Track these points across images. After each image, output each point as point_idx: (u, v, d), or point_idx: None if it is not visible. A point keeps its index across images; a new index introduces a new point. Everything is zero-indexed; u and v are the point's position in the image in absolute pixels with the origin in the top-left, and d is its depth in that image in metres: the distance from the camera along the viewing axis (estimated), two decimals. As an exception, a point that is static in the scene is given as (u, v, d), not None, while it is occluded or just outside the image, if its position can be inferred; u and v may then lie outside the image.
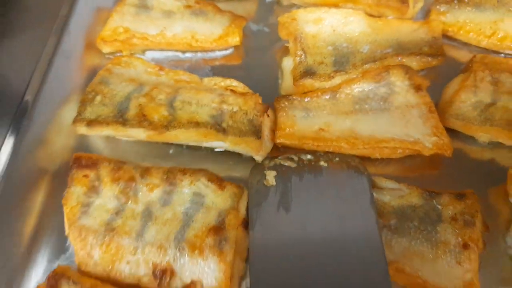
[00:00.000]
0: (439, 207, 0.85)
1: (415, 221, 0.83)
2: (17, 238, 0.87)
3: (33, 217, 0.89)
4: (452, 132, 1.03)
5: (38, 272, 0.84)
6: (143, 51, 1.16)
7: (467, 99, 1.01)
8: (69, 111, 1.00)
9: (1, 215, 0.87)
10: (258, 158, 0.93)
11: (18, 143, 0.95)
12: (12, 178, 0.91)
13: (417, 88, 1.02)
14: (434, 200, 0.86)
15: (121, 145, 0.98)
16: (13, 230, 0.87)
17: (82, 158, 0.86)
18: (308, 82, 1.05)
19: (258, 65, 1.17)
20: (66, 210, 0.82)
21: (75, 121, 0.93)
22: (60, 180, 0.91)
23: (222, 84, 1.04)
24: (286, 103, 1.02)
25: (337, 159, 0.94)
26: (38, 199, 0.91)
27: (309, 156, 0.94)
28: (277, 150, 0.99)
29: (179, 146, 0.98)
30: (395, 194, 0.87)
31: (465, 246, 0.79)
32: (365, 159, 0.97)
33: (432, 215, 0.84)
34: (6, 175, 0.91)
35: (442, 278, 0.77)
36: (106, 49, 1.13)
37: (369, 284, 0.71)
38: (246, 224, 0.81)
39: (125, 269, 0.78)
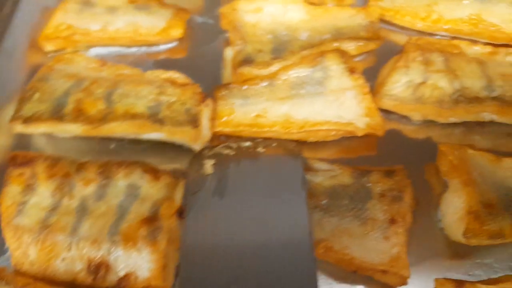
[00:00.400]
0: (369, 184, 0.84)
1: (346, 200, 0.82)
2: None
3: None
4: (387, 113, 1.02)
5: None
6: (87, 48, 1.13)
7: (399, 79, 1.00)
8: (10, 111, 0.97)
9: None
10: (196, 147, 0.91)
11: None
12: None
13: (351, 71, 1.00)
14: (364, 178, 0.85)
15: (62, 142, 0.96)
16: None
17: (18, 156, 0.83)
18: (246, 70, 1.04)
19: (203, 57, 1.15)
20: (1, 210, 0.79)
21: (12, 119, 0.91)
22: (-1, 181, 0.87)
23: (163, 76, 1.02)
24: (226, 91, 1.00)
25: (274, 144, 0.92)
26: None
27: (248, 143, 0.93)
28: (218, 139, 0.97)
29: (121, 140, 0.96)
30: (327, 175, 0.86)
31: (392, 221, 0.79)
32: (302, 143, 0.96)
33: (362, 192, 0.83)
34: None
35: (369, 253, 0.77)
36: (49, 47, 1.10)
37: (293, 260, 0.70)
38: (181, 212, 0.79)
39: (60, 266, 0.76)
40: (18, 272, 0.75)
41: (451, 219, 0.83)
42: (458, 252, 0.83)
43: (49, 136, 0.95)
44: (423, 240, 0.84)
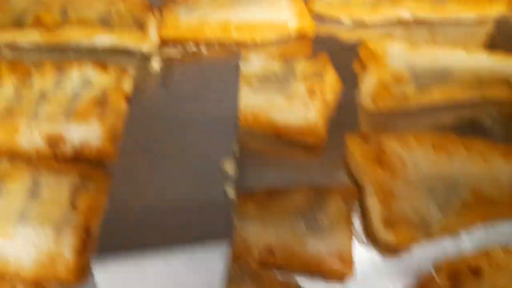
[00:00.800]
0: (295, 68, 0.97)
1: (274, 81, 0.95)
2: None
3: None
4: (321, 18, 1.15)
5: None
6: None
7: (329, -14, 1.12)
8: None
9: None
10: (144, 48, 1.04)
11: None
12: None
13: (287, -18, 1.13)
14: (292, 64, 0.98)
15: (25, 54, 1.08)
16: None
17: (-16, 60, 0.96)
18: (192, -16, 1.16)
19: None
20: (-30, 103, 0.92)
21: (-20, 29, 1.03)
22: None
23: (116, -6, 1.14)
24: (171, 3, 1.12)
25: (216, 47, 1.06)
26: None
27: (192, 47, 1.06)
28: (165, 44, 1.10)
29: (78, 51, 1.08)
30: (260, 64, 0.99)
31: (311, 92, 0.92)
32: (242, 46, 1.09)
33: (289, 75, 0.96)
34: None
35: (291, 121, 0.90)
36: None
37: (221, 130, 0.82)
38: (128, 98, 0.93)
39: (24, 142, 0.88)
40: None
41: (366, 93, 0.97)
42: (374, 122, 0.96)
43: (13, 48, 1.07)
44: (344, 113, 0.98)
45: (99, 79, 0.93)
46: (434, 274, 0.74)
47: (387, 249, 0.79)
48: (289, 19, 1.06)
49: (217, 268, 0.52)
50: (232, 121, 0.85)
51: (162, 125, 0.86)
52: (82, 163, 0.85)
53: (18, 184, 0.80)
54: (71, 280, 0.74)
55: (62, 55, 1.07)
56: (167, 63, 1.03)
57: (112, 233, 0.55)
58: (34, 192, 0.79)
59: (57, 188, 0.79)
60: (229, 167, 0.64)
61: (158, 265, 0.51)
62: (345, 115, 0.98)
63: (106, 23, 1.03)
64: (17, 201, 0.78)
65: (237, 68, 0.95)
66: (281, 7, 1.09)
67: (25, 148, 0.88)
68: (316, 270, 0.75)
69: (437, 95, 0.94)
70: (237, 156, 0.75)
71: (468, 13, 1.10)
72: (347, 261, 0.74)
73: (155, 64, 0.99)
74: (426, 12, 1.09)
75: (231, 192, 0.59)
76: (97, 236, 0.54)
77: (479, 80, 0.97)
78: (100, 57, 1.06)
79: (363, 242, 0.81)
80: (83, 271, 0.75)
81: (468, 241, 0.80)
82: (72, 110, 0.89)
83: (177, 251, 0.51)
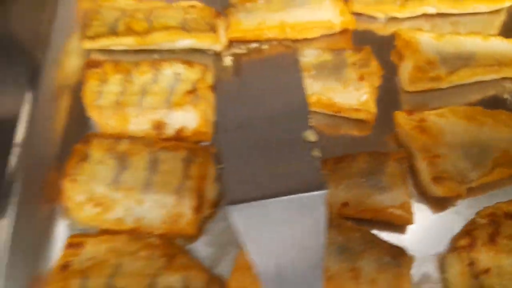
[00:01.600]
0: (345, 58, 1.06)
1: (328, 69, 1.05)
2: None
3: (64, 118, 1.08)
4: (359, 15, 1.24)
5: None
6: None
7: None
8: (75, 43, 1.19)
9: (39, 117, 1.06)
10: (217, 48, 1.14)
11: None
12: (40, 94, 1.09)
13: (328, -13, 1.21)
14: (341, 55, 1.07)
15: (118, 56, 1.18)
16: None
17: (91, 61, 1.06)
18: (246, -7, 1.25)
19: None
20: (85, 98, 1.02)
21: (81, 38, 1.14)
22: (78, 90, 1.09)
23: (185, 4, 1.23)
24: (233, 9, 1.22)
25: (275, 43, 1.15)
26: (64, 103, 1.10)
27: (254, 44, 1.15)
28: (232, 44, 1.20)
29: (161, 52, 1.18)
30: (315, 56, 1.08)
31: (361, 78, 1.01)
32: (296, 41, 1.18)
33: (340, 63, 1.05)
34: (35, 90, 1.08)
35: (346, 100, 0.99)
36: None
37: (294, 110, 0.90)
38: (212, 87, 1.03)
39: (133, 128, 0.99)
40: (103, 134, 0.98)
41: (404, 76, 1.06)
42: (413, 100, 1.06)
43: (109, 52, 1.18)
44: (388, 94, 1.08)
45: (188, 74, 1.03)
46: (476, 219, 0.83)
47: (436, 203, 0.89)
48: (333, 17, 1.15)
49: (320, 211, 0.62)
50: (304, 101, 0.94)
51: (246, 107, 0.95)
52: (185, 142, 0.95)
53: (140, 160, 0.91)
54: (192, 233, 0.84)
55: (148, 57, 1.17)
56: (236, 58, 1.12)
57: (235, 186, 0.64)
58: (153, 166, 0.90)
59: (171, 162, 0.90)
60: (311, 136, 0.73)
61: (277, 209, 0.61)
62: (388, 97, 1.07)
63: (184, 27, 1.12)
64: (141, 173, 0.89)
65: (297, 59, 1.04)
66: (326, 8, 1.18)
67: (134, 132, 0.97)
68: (384, 218, 0.86)
69: (463, 75, 1.03)
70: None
71: (484, 5, 1.18)
72: (408, 210, 0.85)
73: (227, 60, 1.08)
74: (448, 7, 1.17)
75: (316, 153, 0.68)
76: (225, 191, 0.63)
77: (497, 61, 1.06)
78: (179, 56, 1.15)
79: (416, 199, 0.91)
80: (200, 225, 0.86)
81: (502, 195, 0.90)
82: (170, 100, 0.99)
83: (292, 198, 0.61)
